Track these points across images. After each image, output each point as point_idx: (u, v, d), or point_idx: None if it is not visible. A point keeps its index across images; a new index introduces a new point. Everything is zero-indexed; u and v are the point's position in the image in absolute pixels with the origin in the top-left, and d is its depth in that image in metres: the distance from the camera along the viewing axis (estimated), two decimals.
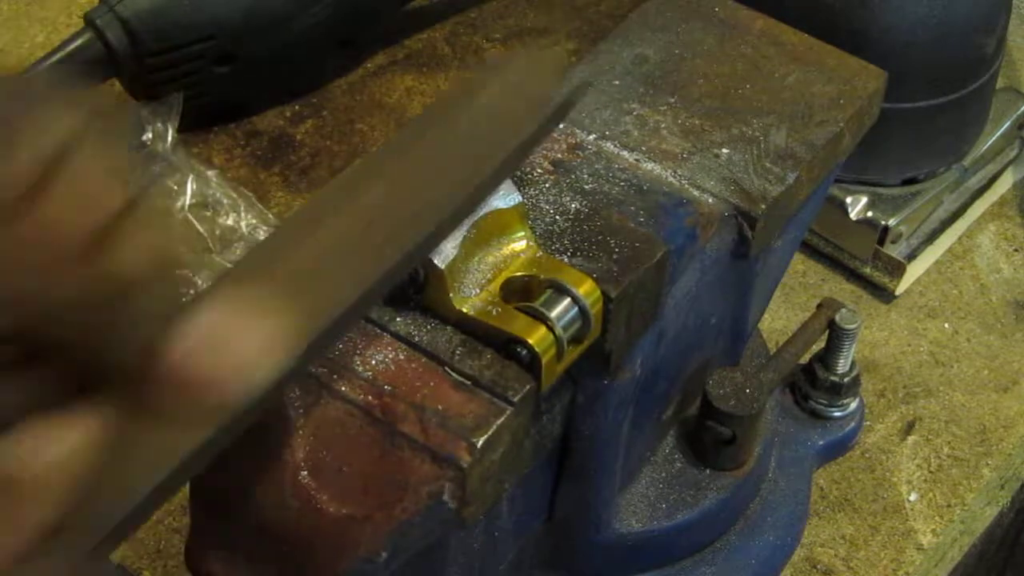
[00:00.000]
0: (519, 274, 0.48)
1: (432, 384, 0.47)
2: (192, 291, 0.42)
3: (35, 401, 0.34)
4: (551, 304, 0.47)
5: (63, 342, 0.33)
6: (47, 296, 0.32)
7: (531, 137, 0.45)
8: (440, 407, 0.46)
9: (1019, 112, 0.88)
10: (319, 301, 0.39)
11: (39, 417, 0.33)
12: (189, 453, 0.35)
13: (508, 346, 0.47)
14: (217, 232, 0.80)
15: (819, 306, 0.72)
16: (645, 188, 0.55)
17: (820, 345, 0.72)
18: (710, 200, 0.56)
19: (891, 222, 0.81)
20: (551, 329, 0.47)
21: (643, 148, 0.57)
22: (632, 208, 0.53)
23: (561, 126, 0.58)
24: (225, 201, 0.81)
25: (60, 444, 0.33)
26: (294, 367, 0.35)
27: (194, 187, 0.81)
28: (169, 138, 0.83)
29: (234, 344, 0.34)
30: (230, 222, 0.80)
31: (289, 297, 0.38)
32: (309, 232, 0.41)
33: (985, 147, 0.86)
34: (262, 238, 0.41)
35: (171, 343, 0.33)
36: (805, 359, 0.72)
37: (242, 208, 0.81)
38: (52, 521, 0.33)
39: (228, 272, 0.39)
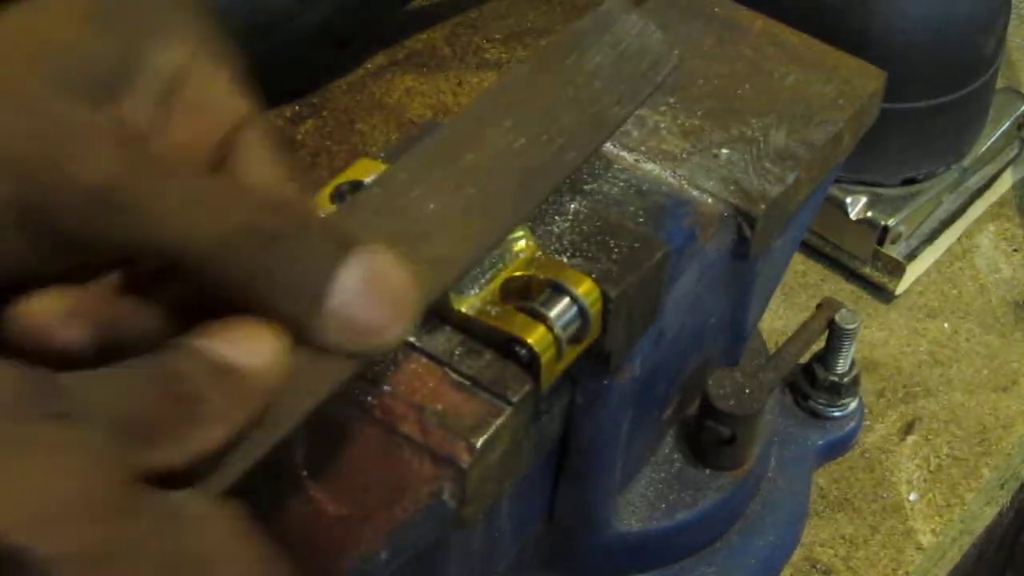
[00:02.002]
0: (518, 274, 0.48)
1: (432, 384, 0.47)
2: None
3: (164, 325, 0.36)
4: (550, 304, 0.47)
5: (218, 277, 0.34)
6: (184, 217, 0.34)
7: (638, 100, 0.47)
8: (440, 407, 0.46)
9: (1019, 112, 0.88)
10: (450, 252, 0.41)
11: (222, 326, 0.35)
12: (331, 390, 0.37)
13: (507, 346, 0.47)
14: None
15: (819, 306, 0.72)
16: (645, 188, 0.55)
17: (820, 345, 0.72)
18: (709, 200, 0.56)
19: (891, 222, 0.81)
20: (550, 329, 0.47)
21: (642, 148, 0.57)
22: (632, 208, 0.53)
23: None
24: None
25: (268, 345, 0.35)
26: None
27: None
28: None
29: (389, 294, 0.36)
30: None
31: (425, 249, 0.40)
32: (442, 167, 0.43)
33: (985, 147, 0.86)
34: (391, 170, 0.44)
35: (334, 284, 0.35)
36: (805, 359, 0.72)
37: None
38: (256, 419, 0.35)
39: (365, 206, 0.41)
